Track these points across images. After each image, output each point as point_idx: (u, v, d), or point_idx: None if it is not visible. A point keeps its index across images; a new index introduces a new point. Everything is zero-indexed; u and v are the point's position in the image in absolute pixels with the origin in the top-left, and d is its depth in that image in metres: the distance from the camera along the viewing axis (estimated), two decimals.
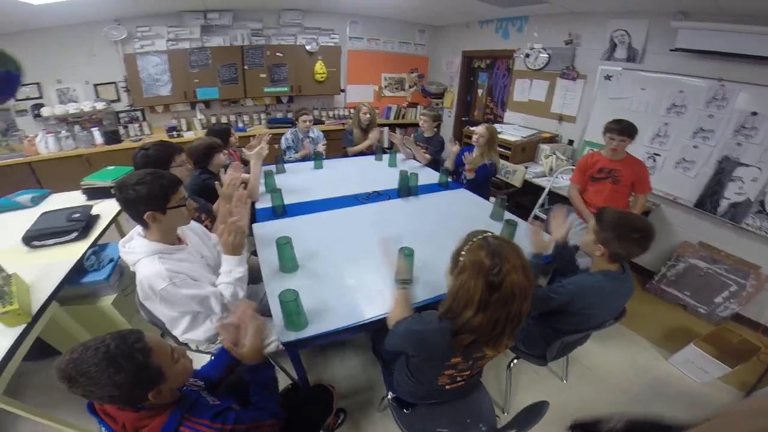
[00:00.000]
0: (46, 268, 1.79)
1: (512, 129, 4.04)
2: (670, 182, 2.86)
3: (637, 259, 2.91)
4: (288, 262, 1.69)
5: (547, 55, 3.76)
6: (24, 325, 1.45)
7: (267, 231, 2.03)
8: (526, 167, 3.57)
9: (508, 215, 2.22)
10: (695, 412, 1.92)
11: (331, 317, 1.42)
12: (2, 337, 1.39)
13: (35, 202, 2.59)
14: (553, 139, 3.90)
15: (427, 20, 5.36)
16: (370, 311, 1.46)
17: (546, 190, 3.28)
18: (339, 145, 3.82)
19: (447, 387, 1.28)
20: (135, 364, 0.78)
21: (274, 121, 5.05)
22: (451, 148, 2.99)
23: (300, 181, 2.91)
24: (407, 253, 1.53)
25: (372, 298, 1.53)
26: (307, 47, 4.77)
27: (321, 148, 3.60)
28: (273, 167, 3.05)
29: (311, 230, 2.09)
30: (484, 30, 4.66)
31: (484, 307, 0.93)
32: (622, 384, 2.14)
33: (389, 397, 1.47)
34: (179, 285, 1.29)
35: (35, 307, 1.54)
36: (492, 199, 2.78)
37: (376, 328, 1.39)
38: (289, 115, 5.11)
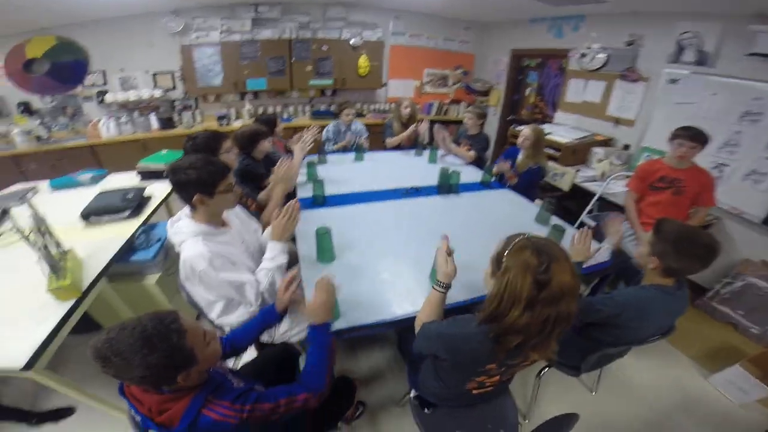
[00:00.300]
0: (99, 244, 1.90)
1: (563, 130, 3.85)
2: (737, 195, 2.61)
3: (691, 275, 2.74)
4: (326, 253, 1.69)
5: (605, 56, 3.52)
6: (74, 300, 1.51)
7: (306, 219, 2.03)
8: (577, 170, 3.38)
9: (554, 220, 2.10)
10: (727, 431, 1.85)
11: (362, 311, 1.39)
12: (52, 311, 1.45)
13: (94, 181, 2.78)
14: (607, 143, 3.68)
15: (473, 17, 5.22)
16: (401, 308, 1.42)
17: (596, 196, 3.08)
18: (379, 138, 3.79)
19: (474, 392, 1.23)
20: (169, 345, 0.78)
21: (318, 113, 5.14)
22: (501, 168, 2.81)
23: (341, 172, 2.91)
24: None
25: (404, 295, 1.49)
26: (351, 41, 4.80)
27: (364, 142, 3.59)
28: (315, 157, 3.08)
29: (349, 222, 2.08)
30: (534, 28, 4.48)
31: (532, 306, 0.87)
32: (653, 401, 2.03)
33: (412, 395, 1.44)
34: (218, 268, 1.32)
35: (86, 283, 1.62)
36: (537, 201, 2.64)
37: (405, 326, 1.35)
38: (332, 108, 5.17)
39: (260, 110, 4.95)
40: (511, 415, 1.38)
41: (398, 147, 3.63)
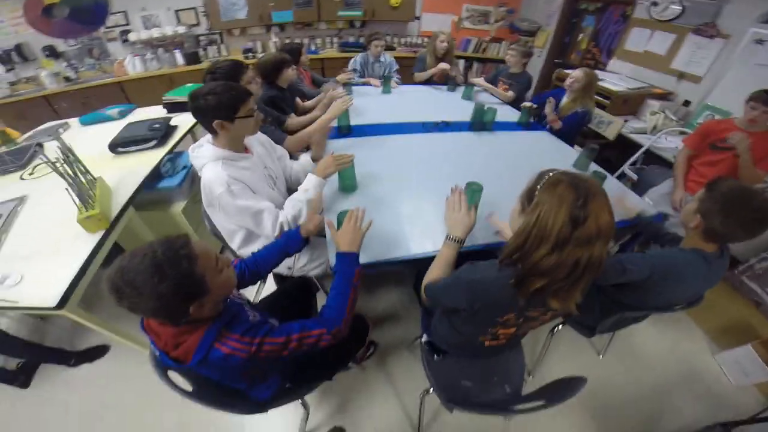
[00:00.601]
0: (127, 173, 1.93)
1: (616, 78, 3.50)
2: None
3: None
4: (347, 181, 1.65)
5: (680, 7, 3.10)
6: (103, 231, 1.53)
7: (331, 149, 1.94)
8: (625, 120, 3.09)
9: (594, 167, 1.93)
10: (715, 412, 1.80)
11: (382, 247, 1.35)
12: (83, 245, 1.47)
13: (122, 114, 2.79)
14: (665, 97, 3.32)
15: None
16: (422, 246, 1.36)
17: (643, 149, 2.85)
18: (409, 72, 3.55)
19: (486, 343, 1.18)
20: (179, 272, 0.74)
21: (346, 45, 4.93)
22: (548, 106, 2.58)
23: (367, 103, 2.78)
24: (476, 188, 1.38)
25: (426, 232, 1.43)
26: None
27: (395, 75, 3.39)
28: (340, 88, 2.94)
29: (375, 153, 2.00)
30: None
31: (561, 245, 0.78)
32: (656, 371, 1.99)
33: (423, 340, 1.42)
34: (236, 194, 1.30)
35: (115, 211, 1.65)
36: (577, 147, 2.45)
37: (424, 266, 1.27)
38: (361, 40, 4.90)
39: (287, 42, 4.74)
40: (518, 371, 1.36)
41: (428, 82, 3.41)
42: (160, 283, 0.72)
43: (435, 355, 1.36)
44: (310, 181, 1.49)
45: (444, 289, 1.08)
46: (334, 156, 1.51)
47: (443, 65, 3.23)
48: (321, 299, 1.66)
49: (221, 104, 1.25)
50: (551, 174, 0.86)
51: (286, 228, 1.40)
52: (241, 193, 1.31)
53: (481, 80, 3.17)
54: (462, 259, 1.14)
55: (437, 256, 1.21)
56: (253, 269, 1.23)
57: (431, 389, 1.33)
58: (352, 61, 3.46)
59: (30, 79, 4.07)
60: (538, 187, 0.85)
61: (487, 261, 0.99)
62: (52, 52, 4.12)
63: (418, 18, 5.07)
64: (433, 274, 1.18)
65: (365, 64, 3.45)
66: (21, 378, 1.82)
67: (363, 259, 1.26)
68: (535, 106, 2.54)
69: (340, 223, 1.22)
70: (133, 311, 0.75)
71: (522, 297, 0.90)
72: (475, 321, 1.09)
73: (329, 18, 4.69)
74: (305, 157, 1.76)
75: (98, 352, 1.96)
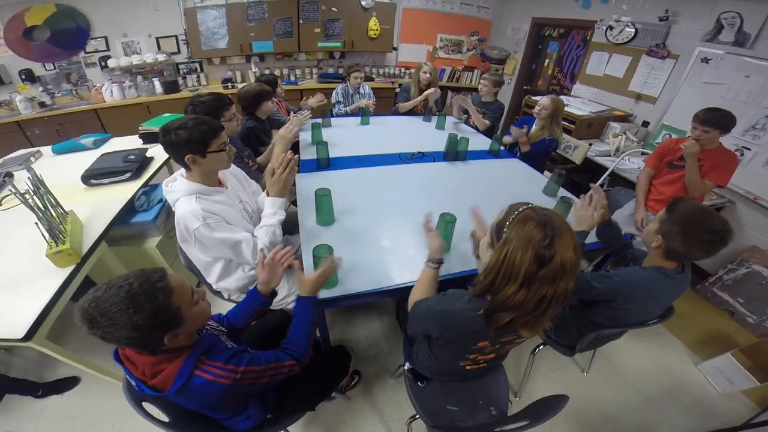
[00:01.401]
0: (100, 206, 1.90)
1: (580, 103, 3.71)
2: (755, 180, 2.52)
3: None
4: (325, 215, 1.66)
5: (633, 30, 3.38)
6: (73, 266, 1.50)
7: (309, 182, 1.99)
8: (590, 144, 3.25)
9: (562, 192, 2.03)
10: (706, 421, 1.86)
11: (360, 278, 1.37)
12: (52, 279, 1.44)
13: (97, 144, 2.75)
14: (625, 119, 3.54)
15: None
16: (401, 276, 1.39)
17: (608, 171, 3.00)
18: (387, 103, 3.68)
19: (468, 368, 1.21)
20: (155, 305, 0.75)
21: (326, 76, 5.01)
22: (515, 134, 2.71)
23: (346, 135, 2.85)
24: (449, 220, 1.42)
25: (404, 262, 1.46)
26: (363, 2, 4.58)
27: (369, 105, 3.44)
28: (320, 120, 3.00)
29: (352, 185, 2.04)
30: None
31: (529, 283, 0.82)
32: (641, 384, 2.04)
33: (406, 368, 1.44)
34: (213, 227, 1.30)
35: (86, 246, 1.61)
36: (546, 173, 2.56)
37: (404, 295, 1.31)
38: (340, 71, 5.05)
39: (266, 73, 4.81)
40: (502, 392, 1.38)
41: (410, 112, 3.52)
42: (136, 314, 0.73)
43: (419, 382, 1.37)
44: (273, 205, 1.48)
45: (419, 318, 1.11)
46: (279, 165, 1.47)
47: (431, 90, 3.31)
48: None
49: (192, 139, 1.26)
50: (521, 209, 0.89)
51: (267, 253, 1.37)
52: (217, 226, 1.32)
53: (467, 99, 3.16)
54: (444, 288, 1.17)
55: (419, 277, 1.24)
56: (233, 322, 1.25)
57: (417, 416, 1.34)
58: (334, 93, 3.55)
59: (3, 103, 3.99)
60: (507, 223, 0.88)
61: (457, 290, 1.02)
62: (28, 76, 4.08)
63: (395, 49, 5.25)
64: (413, 296, 1.20)
65: (346, 95, 3.54)
66: None
67: (342, 291, 1.30)
68: (524, 131, 2.65)
69: (315, 258, 1.26)
70: (106, 340, 0.75)
71: (491, 331, 0.93)
72: (450, 348, 1.12)
73: (309, 49, 4.79)
74: (263, 197, 1.69)
75: (67, 383, 1.89)
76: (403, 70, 5.30)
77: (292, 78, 4.99)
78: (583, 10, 3.97)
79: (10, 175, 2.24)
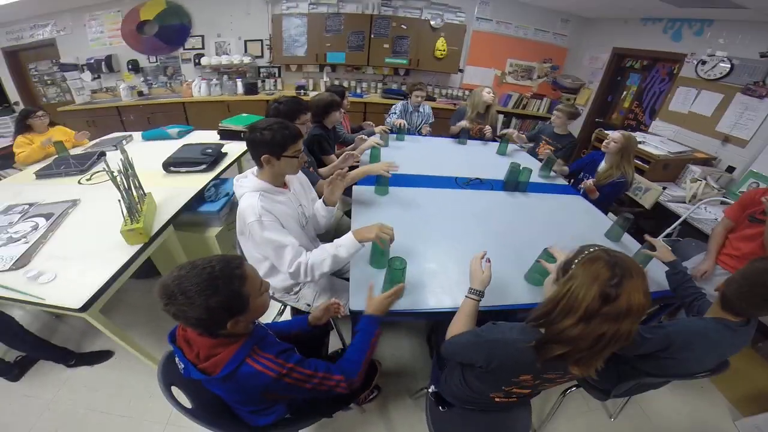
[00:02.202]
0: (174, 192, 2.08)
1: (658, 141, 3.43)
2: None
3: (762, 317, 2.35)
4: (378, 256, 1.52)
5: (729, 65, 3.10)
6: (141, 245, 1.62)
7: (365, 194, 2.04)
8: (664, 188, 2.99)
9: (626, 237, 1.90)
10: None
11: (403, 297, 1.36)
12: (119, 254, 1.55)
13: (180, 135, 3.06)
14: (707, 162, 3.21)
15: (575, 10, 4.79)
16: (441, 302, 1.37)
17: (680, 219, 2.71)
18: (445, 123, 3.66)
19: (497, 400, 1.17)
20: (231, 289, 0.82)
21: (389, 91, 5.13)
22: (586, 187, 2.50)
23: (402, 153, 2.87)
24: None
25: (447, 288, 1.44)
26: (432, 22, 4.66)
27: (425, 129, 3.47)
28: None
29: (405, 204, 2.04)
30: (647, 28, 4.03)
31: (588, 318, 0.80)
32: None
33: (430, 390, 1.40)
34: (265, 225, 1.36)
35: (156, 227, 1.76)
36: (610, 214, 2.39)
37: (441, 320, 1.30)
38: (404, 88, 5.14)
39: (336, 83, 5.04)
40: (523, 428, 1.33)
41: (470, 136, 3.45)
42: (212, 296, 0.79)
43: (440, 407, 1.34)
44: (347, 239, 1.42)
45: (464, 346, 1.10)
46: (379, 225, 1.42)
47: (488, 128, 3.30)
48: (333, 340, 1.72)
49: (273, 140, 1.35)
50: (591, 250, 0.88)
51: (302, 270, 1.38)
52: (270, 226, 1.37)
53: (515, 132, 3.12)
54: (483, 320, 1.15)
55: (459, 309, 1.23)
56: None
57: None
58: (393, 107, 3.60)
59: (109, 89, 4.57)
60: (576, 261, 0.88)
61: (509, 322, 1.01)
62: (134, 67, 4.64)
63: (461, 71, 5.24)
64: (454, 327, 1.19)
65: (404, 112, 3.56)
66: (15, 371, 1.87)
67: None
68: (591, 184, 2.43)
69: (390, 269, 1.28)
70: (177, 318, 0.82)
71: (540, 360, 0.90)
72: (490, 379, 1.10)
73: (377, 63, 4.95)
74: (319, 203, 1.74)
75: (101, 356, 2.00)
76: (466, 92, 5.24)
77: (358, 90, 5.18)
78: (672, 42, 3.72)
79: (103, 154, 2.54)
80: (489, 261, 1.26)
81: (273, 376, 0.90)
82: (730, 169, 3.08)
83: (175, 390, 1.02)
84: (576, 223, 2.10)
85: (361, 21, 4.61)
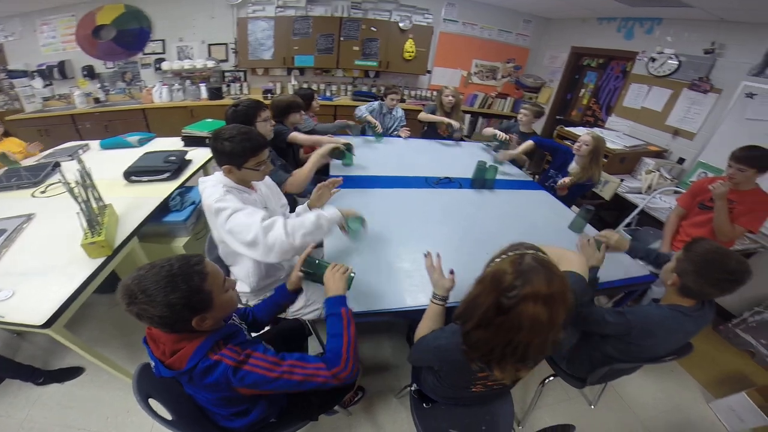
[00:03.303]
0: (137, 202, 2.00)
1: (614, 136, 3.63)
2: None
3: (719, 300, 2.53)
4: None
5: (677, 62, 3.33)
6: (104, 258, 1.55)
7: (338, 197, 1.99)
8: (621, 180, 3.16)
9: (590, 229, 1.99)
10: None
11: (377, 297, 1.39)
12: (81, 268, 1.49)
13: (141, 143, 2.93)
14: (660, 154, 3.44)
15: (536, 11, 4.99)
16: (417, 299, 1.40)
17: (638, 209, 2.88)
18: (417, 124, 3.70)
19: (475, 390, 1.21)
20: (190, 286, 0.81)
21: (359, 93, 5.15)
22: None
23: (373, 154, 2.90)
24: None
25: (421, 286, 1.47)
26: (401, 24, 4.72)
27: (404, 133, 3.47)
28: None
29: (376, 205, 2.06)
30: (603, 27, 4.26)
31: (486, 325, 0.82)
32: (649, 420, 1.99)
33: (412, 389, 1.43)
34: (229, 200, 1.33)
35: (119, 240, 1.69)
36: (574, 207, 2.50)
37: (418, 318, 1.32)
38: (374, 90, 5.19)
39: (305, 86, 4.99)
40: (506, 419, 1.37)
41: (434, 135, 3.54)
42: (171, 293, 0.79)
43: (424, 404, 1.38)
44: (329, 210, 1.44)
45: (420, 352, 1.15)
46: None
47: (454, 123, 3.33)
48: (313, 344, 1.73)
49: (233, 152, 1.34)
50: (514, 253, 0.85)
51: (278, 225, 1.29)
52: (234, 199, 1.34)
53: (516, 146, 2.94)
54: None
55: (425, 312, 1.24)
56: (257, 316, 1.32)
57: None
58: (370, 103, 3.52)
59: (63, 96, 4.33)
60: (492, 261, 0.89)
61: (454, 325, 1.01)
62: (90, 73, 4.41)
63: (429, 72, 5.33)
64: (420, 330, 1.20)
65: (379, 112, 3.57)
66: None
67: (358, 307, 1.31)
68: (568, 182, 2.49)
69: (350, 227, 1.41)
70: (140, 318, 0.81)
71: (469, 361, 0.93)
72: (451, 378, 1.14)
73: (346, 66, 4.95)
74: (301, 207, 1.74)
75: (71, 373, 1.92)
76: (434, 93, 5.30)
77: (328, 93, 5.16)
78: (625, 40, 3.95)
79: (58, 164, 2.41)
80: (452, 272, 1.25)
81: (231, 364, 0.88)
82: (681, 161, 3.30)
83: (154, 402, 1.00)
84: (540, 217, 2.18)
85: (330, 24, 4.61)
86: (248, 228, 1.26)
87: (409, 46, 4.82)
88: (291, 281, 1.29)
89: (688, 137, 3.26)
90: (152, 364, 0.93)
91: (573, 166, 2.61)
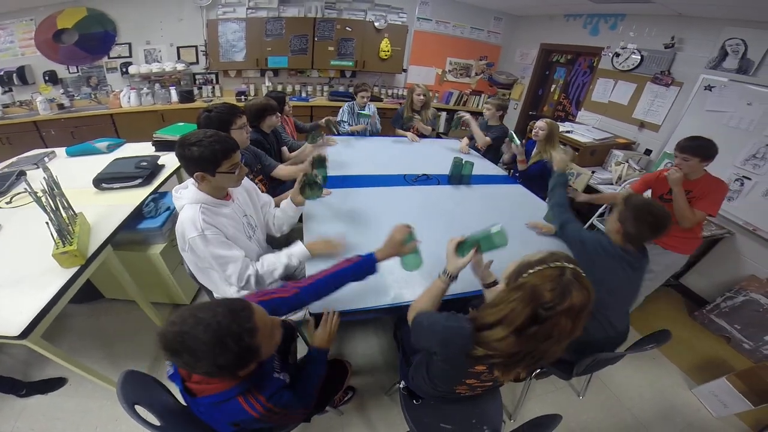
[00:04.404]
0: (109, 210, 1.92)
1: (584, 129, 3.75)
2: (754, 211, 2.53)
3: (692, 287, 2.94)
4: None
5: (639, 57, 3.47)
6: (77, 268, 1.50)
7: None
8: (593, 172, 3.28)
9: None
10: None
11: (360, 295, 1.39)
12: (54, 278, 1.44)
13: (111, 149, 2.82)
14: (628, 146, 3.58)
15: (506, 8, 5.12)
16: (400, 295, 1.42)
17: None
18: (390, 123, 3.74)
19: (460, 393, 1.22)
20: (241, 347, 0.75)
21: (336, 93, 5.13)
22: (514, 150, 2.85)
23: (352, 154, 2.91)
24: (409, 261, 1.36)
25: (404, 282, 1.49)
26: (376, 24, 4.74)
27: (364, 129, 3.54)
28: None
29: (356, 204, 2.07)
30: (569, 24, 4.39)
31: (518, 334, 0.85)
32: (636, 408, 2.06)
33: (401, 386, 1.44)
34: (208, 240, 1.30)
35: (92, 249, 1.63)
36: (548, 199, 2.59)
37: (403, 314, 1.33)
38: (350, 90, 5.13)
39: (279, 88, 4.96)
40: (496, 412, 1.39)
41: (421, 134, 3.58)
42: (221, 355, 0.73)
43: (414, 400, 1.39)
44: (298, 250, 1.48)
45: (423, 329, 1.09)
46: (327, 242, 1.55)
47: (427, 129, 3.46)
48: (300, 347, 1.66)
49: (203, 157, 1.25)
50: (553, 265, 0.86)
51: (252, 282, 1.38)
52: (213, 240, 1.31)
53: (468, 116, 3.22)
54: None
55: (428, 287, 1.25)
56: (305, 299, 1.18)
57: None
58: (340, 111, 3.63)
59: (24, 102, 4.12)
60: (532, 270, 0.87)
61: (463, 315, 1.03)
62: (51, 78, 4.21)
63: (405, 70, 5.37)
64: (418, 302, 1.22)
65: (352, 113, 3.60)
66: None
67: (344, 306, 1.34)
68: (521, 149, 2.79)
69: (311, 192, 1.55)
70: (185, 369, 0.80)
71: (471, 360, 0.95)
72: (450, 368, 1.11)
73: (322, 66, 4.93)
74: (286, 202, 1.72)
75: (53, 384, 1.88)
76: (407, 90, 5.38)
77: (304, 94, 5.12)
78: (591, 36, 4.09)
79: (23, 173, 2.30)
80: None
81: (256, 416, 0.88)
82: (648, 152, 3.45)
83: (141, 409, 0.99)
84: (515, 209, 2.25)
85: (304, 24, 4.58)
86: (223, 290, 1.50)
87: (385, 45, 4.85)
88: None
89: (654, 129, 3.40)
90: (170, 370, 0.90)
91: (534, 151, 2.79)
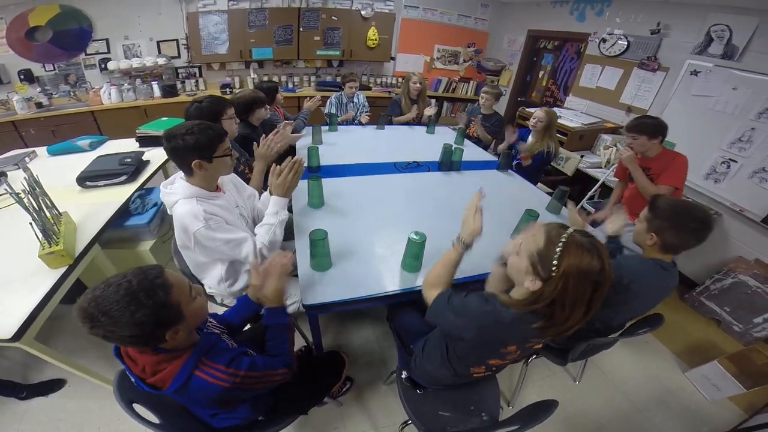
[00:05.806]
0: (95, 209, 1.89)
1: (572, 114, 3.78)
2: (740, 192, 2.57)
3: (682, 269, 2.77)
4: (315, 199, 1.74)
5: (626, 42, 3.48)
6: (65, 268, 1.49)
7: (301, 188, 1.96)
8: (582, 156, 3.31)
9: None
10: (694, 428, 1.90)
11: (354, 285, 1.38)
12: (43, 279, 1.43)
13: (93, 146, 2.75)
14: (616, 131, 3.61)
15: None
16: (394, 284, 1.40)
17: (599, 183, 3.05)
18: (381, 112, 3.70)
19: (475, 375, 1.22)
20: (155, 301, 0.76)
21: (323, 84, 5.05)
22: (510, 137, 2.87)
23: (344, 143, 2.89)
24: (417, 240, 1.36)
25: (397, 270, 1.48)
26: (362, 12, 4.67)
27: (364, 119, 3.51)
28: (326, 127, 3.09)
29: (346, 193, 2.05)
30: (556, 10, 4.38)
31: (589, 305, 0.88)
32: (631, 392, 2.08)
33: (403, 376, 1.43)
34: (214, 228, 1.32)
35: (79, 248, 1.60)
36: (541, 186, 2.61)
37: (395, 302, 1.33)
38: (338, 79, 5.09)
39: (265, 79, 4.85)
40: (494, 398, 1.40)
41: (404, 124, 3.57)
42: (137, 311, 0.74)
43: (417, 390, 1.39)
44: (278, 203, 1.51)
45: (448, 313, 1.04)
46: (286, 169, 1.52)
47: (428, 111, 3.40)
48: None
49: (199, 144, 1.27)
50: (565, 239, 0.86)
51: (266, 253, 1.42)
52: (218, 227, 1.33)
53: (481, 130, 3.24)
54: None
55: (441, 258, 1.20)
56: (229, 321, 1.27)
57: (409, 422, 1.35)
58: (328, 102, 3.59)
59: (0, 102, 3.98)
60: (557, 253, 0.85)
61: (488, 292, 1.04)
62: (27, 76, 4.08)
63: (393, 59, 5.32)
64: (431, 274, 1.19)
65: (340, 104, 3.58)
66: None
67: (335, 297, 1.31)
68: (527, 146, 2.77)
69: (312, 241, 1.35)
70: (108, 339, 0.76)
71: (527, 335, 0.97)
72: (478, 350, 1.09)
73: (308, 57, 4.84)
74: (265, 195, 1.74)
75: (53, 386, 1.86)
76: (399, 80, 5.33)
77: (290, 85, 5.04)
78: (577, 22, 4.09)
79: (3, 174, 2.23)
80: (481, 211, 1.20)
81: (227, 386, 0.89)
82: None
83: (140, 407, 0.98)
84: (510, 196, 2.24)
85: (288, 15, 4.47)
86: (223, 288, 1.54)
87: (372, 33, 4.78)
88: (252, 293, 1.26)
89: (641, 113, 3.40)
90: (132, 379, 0.89)
91: (529, 140, 2.79)
